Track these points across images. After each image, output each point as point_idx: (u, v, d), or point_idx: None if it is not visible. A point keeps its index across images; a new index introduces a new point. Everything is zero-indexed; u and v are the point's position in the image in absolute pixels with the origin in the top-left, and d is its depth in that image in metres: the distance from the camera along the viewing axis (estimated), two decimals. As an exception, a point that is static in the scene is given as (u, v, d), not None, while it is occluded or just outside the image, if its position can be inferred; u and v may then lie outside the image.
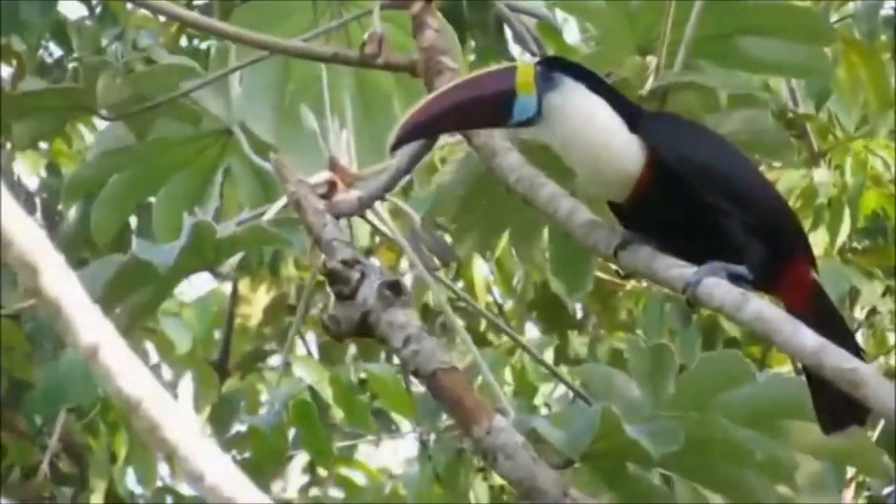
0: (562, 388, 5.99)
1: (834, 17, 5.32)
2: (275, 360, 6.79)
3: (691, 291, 2.58)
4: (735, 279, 2.61)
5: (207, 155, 3.71)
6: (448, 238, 3.39)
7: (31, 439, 5.27)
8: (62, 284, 1.33)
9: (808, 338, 2.42)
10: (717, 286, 2.56)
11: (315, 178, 3.02)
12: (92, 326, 1.31)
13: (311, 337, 6.88)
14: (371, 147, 3.45)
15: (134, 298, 3.06)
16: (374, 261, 6.24)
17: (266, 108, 3.54)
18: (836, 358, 2.38)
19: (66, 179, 3.78)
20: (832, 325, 2.71)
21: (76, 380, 5.05)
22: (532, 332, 6.30)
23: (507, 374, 5.86)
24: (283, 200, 3.10)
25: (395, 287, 2.75)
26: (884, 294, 5.54)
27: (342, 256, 2.80)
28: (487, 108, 2.74)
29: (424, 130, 2.84)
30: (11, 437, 5.21)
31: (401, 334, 2.73)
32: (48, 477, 5.33)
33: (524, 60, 3.10)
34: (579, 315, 6.18)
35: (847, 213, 5.38)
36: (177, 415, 1.28)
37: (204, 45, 5.51)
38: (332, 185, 3.03)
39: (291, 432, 5.28)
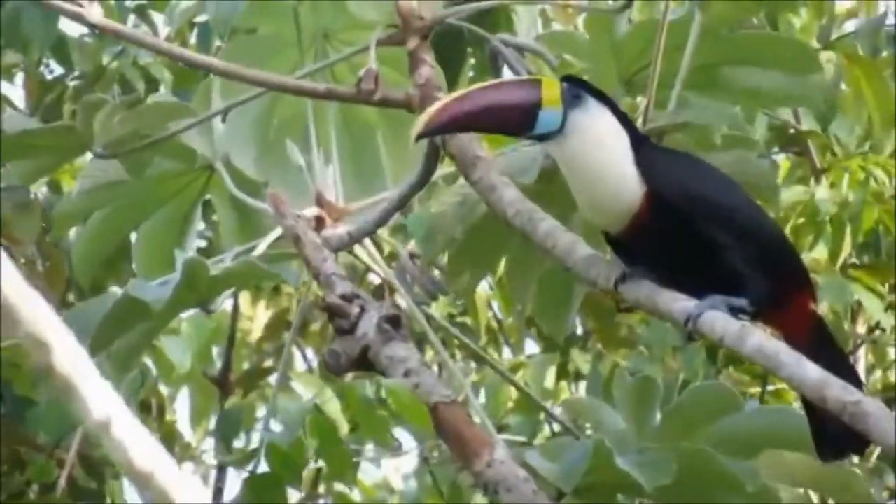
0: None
1: (836, 34, 5.30)
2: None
3: (693, 324, 2.57)
4: (735, 312, 2.60)
5: (191, 190, 3.68)
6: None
7: (48, 453, 5.25)
8: (72, 361, 1.33)
9: (809, 370, 2.42)
10: (719, 319, 2.56)
11: (303, 214, 3.00)
12: (103, 402, 1.31)
13: (311, 353, 6.85)
14: (357, 181, 3.44)
15: (129, 335, 3.05)
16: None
17: (251, 144, 3.51)
18: (838, 391, 2.38)
19: (53, 215, 3.76)
20: (832, 356, 2.70)
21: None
22: (531, 347, 6.27)
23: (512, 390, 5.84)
24: (273, 235, 3.09)
25: (394, 321, 2.75)
26: (886, 310, 5.51)
27: (341, 291, 2.79)
28: (511, 115, 2.71)
29: (447, 127, 2.81)
30: (29, 451, 5.19)
31: (401, 368, 2.73)
32: (65, 491, 5.31)
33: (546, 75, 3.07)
34: (580, 331, 6.13)
35: (848, 229, 5.36)
36: (188, 487, 1.28)
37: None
38: (319, 221, 3.02)
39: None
